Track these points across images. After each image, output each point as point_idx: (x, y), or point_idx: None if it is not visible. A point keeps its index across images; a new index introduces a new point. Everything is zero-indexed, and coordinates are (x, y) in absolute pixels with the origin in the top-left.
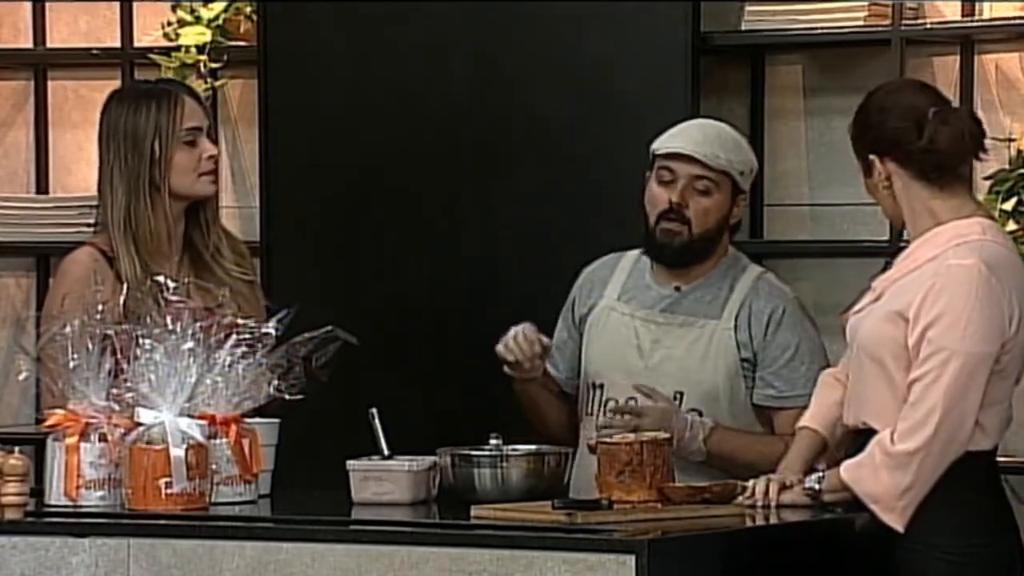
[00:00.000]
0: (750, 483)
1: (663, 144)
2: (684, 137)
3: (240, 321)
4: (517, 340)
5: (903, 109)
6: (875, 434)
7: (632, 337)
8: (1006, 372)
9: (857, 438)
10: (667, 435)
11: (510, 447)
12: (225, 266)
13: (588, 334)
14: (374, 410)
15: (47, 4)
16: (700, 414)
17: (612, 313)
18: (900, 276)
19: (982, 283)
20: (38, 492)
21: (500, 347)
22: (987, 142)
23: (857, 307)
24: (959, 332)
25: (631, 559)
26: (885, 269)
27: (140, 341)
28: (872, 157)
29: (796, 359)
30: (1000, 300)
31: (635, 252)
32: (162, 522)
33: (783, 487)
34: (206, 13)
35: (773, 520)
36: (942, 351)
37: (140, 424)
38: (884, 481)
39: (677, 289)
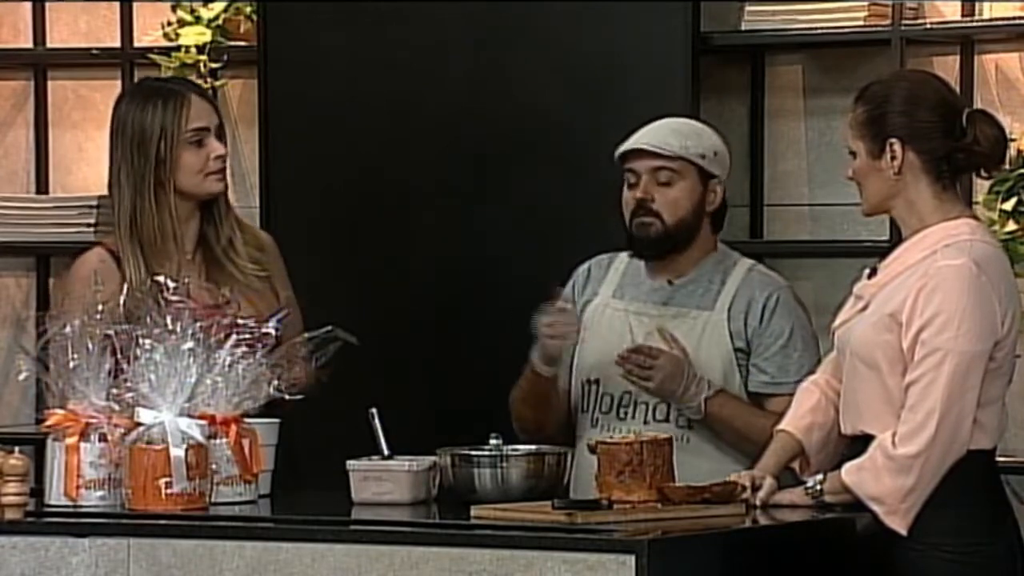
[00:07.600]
0: (732, 476)
1: (621, 147)
2: (638, 135)
3: (240, 321)
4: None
5: (934, 102)
6: (874, 438)
7: (626, 331)
8: (1001, 370)
9: (854, 443)
10: (667, 435)
11: (510, 447)
12: (238, 263)
13: (582, 332)
14: (374, 410)
15: (47, 4)
16: None
17: (606, 310)
18: (888, 280)
19: (973, 282)
20: (38, 492)
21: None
22: None
23: (842, 316)
24: (952, 332)
25: (631, 559)
26: (871, 276)
27: (140, 341)
28: (892, 141)
29: (789, 345)
30: (991, 298)
31: (627, 253)
32: (162, 522)
33: (753, 483)
34: (206, 13)
35: (773, 520)
36: (937, 352)
37: (140, 424)
38: (887, 484)
39: (669, 283)
